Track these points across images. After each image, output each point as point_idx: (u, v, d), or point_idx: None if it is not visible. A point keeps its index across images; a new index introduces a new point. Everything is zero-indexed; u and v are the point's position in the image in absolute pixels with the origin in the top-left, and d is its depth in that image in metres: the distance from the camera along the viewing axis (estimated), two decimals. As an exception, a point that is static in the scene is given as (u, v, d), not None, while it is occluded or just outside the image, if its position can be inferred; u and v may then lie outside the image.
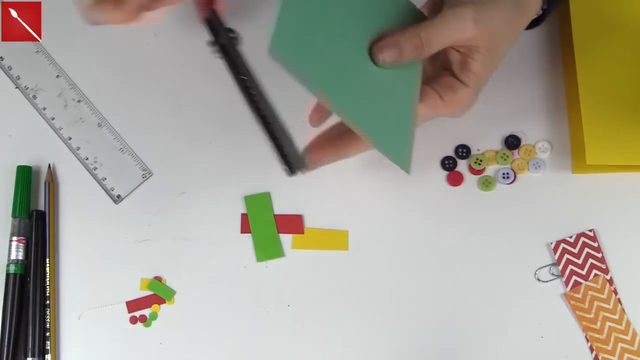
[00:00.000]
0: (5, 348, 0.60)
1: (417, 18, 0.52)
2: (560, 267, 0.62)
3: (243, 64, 0.49)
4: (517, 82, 0.66)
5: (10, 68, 0.67)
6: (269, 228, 0.64)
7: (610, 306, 0.61)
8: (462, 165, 0.65)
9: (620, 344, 0.60)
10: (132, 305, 0.63)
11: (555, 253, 0.62)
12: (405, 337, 0.62)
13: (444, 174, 0.65)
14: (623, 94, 0.61)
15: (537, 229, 0.63)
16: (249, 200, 0.64)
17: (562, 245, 0.62)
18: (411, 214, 0.64)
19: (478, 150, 0.65)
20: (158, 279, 0.63)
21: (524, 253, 0.63)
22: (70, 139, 0.66)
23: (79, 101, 0.67)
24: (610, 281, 0.61)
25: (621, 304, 0.61)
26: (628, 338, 0.60)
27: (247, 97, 0.49)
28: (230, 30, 0.49)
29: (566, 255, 0.62)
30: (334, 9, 0.47)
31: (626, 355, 0.60)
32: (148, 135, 0.66)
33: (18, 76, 0.67)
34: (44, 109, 0.67)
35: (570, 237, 0.63)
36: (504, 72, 0.66)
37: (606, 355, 0.60)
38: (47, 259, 0.63)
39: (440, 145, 0.65)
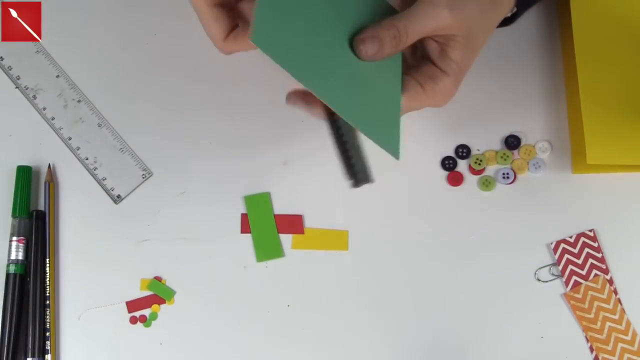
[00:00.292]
0: (5, 348, 0.60)
1: (391, 14, 0.53)
2: (560, 267, 0.62)
3: None
4: (517, 82, 0.66)
5: (10, 68, 0.67)
6: (269, 228, 0.64)
7: (610, 306, 0.61)
8: (462, 165, 0.65)
9: (620, 344, 0.60)
10: (132, 305, 0.63)
11: (555, 253, 0.62)
12: (405, 336, 0.62)
13: (444, 174, 0.65)
14: (623, 94, 0.61)
15: (537, 229, 0.63)
16: (249, 200, 0.64)
17: (562, 245, 0.62)
18: (411, 214, 0.64)
19: (478, 150, 0.65)
20: (158, 279, 0.63)
21: (524, 253, 0.63)
22: (70, 139, 0.66)
23: (79, 101, 0.67)
24: (610, 281, 0.61)
25: (621, 304, 0.61)
26: (628, 338, 0.60)
27: (326, 110, 0.50)
28: None
29: (566, 255, 0.62)
30: (312, 4, 0.48)
31: (626, 355, 0.60)
32: (148, 135, 0.66)
33: (18, 76, 0.67)
34: (44, 109, 0.67)
35: (570, 237, 0.63)
36: (504, 72, 0.66)
37: (606, 355, 0.60)
38: (47, 259, 0.63)
39: (440, 145, 0.65)
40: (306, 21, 0.47)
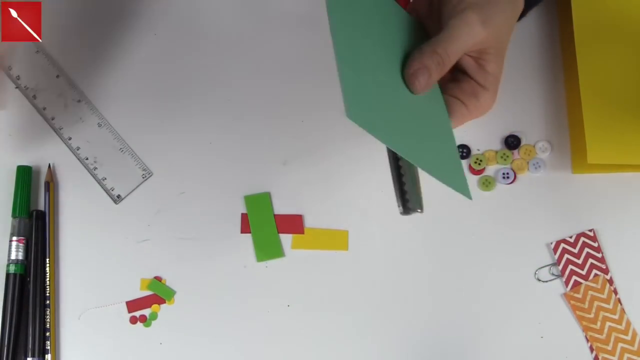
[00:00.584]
0: (5, 348, 0.60)
1: (416, 28, 0.52)
2: (560, 267, 0.62)
3: None
4: (517, 82, 0.65)
5: (10, 68, 0.67)
6: (269, 228, 0.64)
7: (610, 306, 0.61)
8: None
9: (620, 344, 0.60)
10: (132, 305, 0.63)
11: (555, 253, 0.62)
12: (405, 336, 0.62)
13: (444, 174, 0.65)
14: (624, 93, 0.61)
15: (537, 229, 0.63)
16: (249, 200, 0.64)
17: (562, 245, 0.62)
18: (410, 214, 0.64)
19: (478, 150, 0.65)
20: (158, 279, 0.63)
21: (524, 253, 0.63)
22: (70, 139, 0.66)
23: (79, 101, 0.67)
24: (610, 281, 0.61)
25: (621, 304, 0.61)
26: (628, 338, 0.60)
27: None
28: None
29: (566, 255, 0.62)
30: (375, 56, 0.46)
31: (626, 355, 0.60)
32: (148, 135, 0.66)
33: (18, 76, 0.67)
34: (44, 109, 0.67)
35: (570, 237, 0.63)
36: (504, 72, 0.66)
37: (606, 355, 0.60)
38: (47, 259, 0.63)
39: (440, 145, 0.65)
40: (377, 75, 0.45)
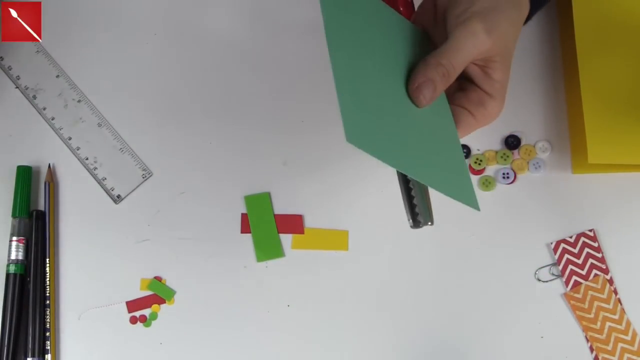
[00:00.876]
0: (5, 348, 0.60)
1: (421, 38, 0.52)
2: (560, 267, 0.62)
3: None
4: (517, 82, 0.65)
5: (10, 68, 0.68)
6: (269, 228, 0.64)
7: (610, 306, 0.61)
8: (462, 165, 0.65)
9: (620, 344, 0.60)
10: (132, 305, 0.63)
11: (555, 253, 0.62)
12: (405, 336, 0.62)
13: (444, 174, 0.65)
14: (625, 93, 0.61)
15: (537, 229, 0.63)
16: (249, 200, 0.64)
17: (562, 245, 0.62)
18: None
19: (478, 150, 0.65)
20: (158, 279, 0.63)
21: (524, 253, 0.63)
22: (70, 139, 0.66)
23: (79, 101, 0.67)
24: (610, 281, 0.61)
25: (621, 304, 0.61)
26: (628, 338, 0.60)
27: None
28: None
29: (566, 255, 0.62)
30: (376, 72, 0.45)
31: (626, 355, 0.60)
32: (148, 135, 0.66)
33: (18, 76, 0.67)
34: (44, 109, 0.67)
35: (570, 237, 0.63)
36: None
37: (606, 355, 0.60)
38: (47, 259, 0.63)
39: (440, 145, 0.65)
40: (378, 91, 0.44)
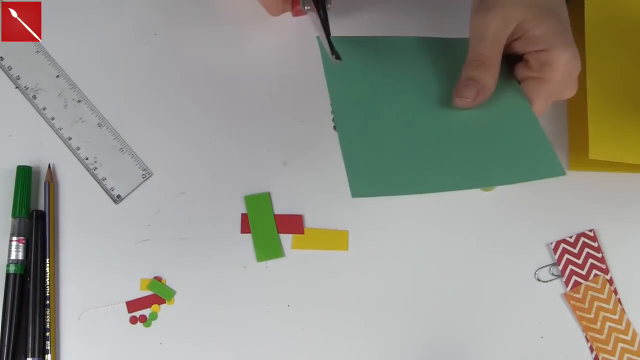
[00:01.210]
0: (5, 348, 0.60)
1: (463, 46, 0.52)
2: (560, 267, 0.62)
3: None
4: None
5: (10, 68, 0.67)
6: (269, 228, 0.64)
7: (610, 306, 0.61)
8: (462, 165, 0.65)
9: (620, 344, 0.60)
10: (132, 305, 0.63)
11: (555, 253, 0.62)
12: (405, 336, 0.62)
13: (444, 174, 0.64)
14: (630, 92, 0.61)
15: (537, 229, 0.63)
16: (249, 200, 0.64)
17: (562, 245, 0.62)
18: (411, 214, 0.64)
19: (478, 150, 0.65)
20: (158, 279, 0.63)
21: (524, 253, 0.63)
22: (70, 139, 0.66)
23: (79, 101, 0.67)
24: (610, 281, 0.61)
25: (621, 304, 0.61)
26: (628, 338, 0.60)
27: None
28: None
29: (566, 255, 0.62)
30: (401, 96, 0.47)
31: (626, 355, 0.60)
32: (148, 135, 0.66)
33: (18, 76, 0.67)
34: (44, 109, 0.67)
35: (570, 237, 0.63)
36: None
37: (606, 355, 0.60)
38: (47, 259, 0.63)
39: (440, 145, 0.65)
40: (393, 138, 0.45)
